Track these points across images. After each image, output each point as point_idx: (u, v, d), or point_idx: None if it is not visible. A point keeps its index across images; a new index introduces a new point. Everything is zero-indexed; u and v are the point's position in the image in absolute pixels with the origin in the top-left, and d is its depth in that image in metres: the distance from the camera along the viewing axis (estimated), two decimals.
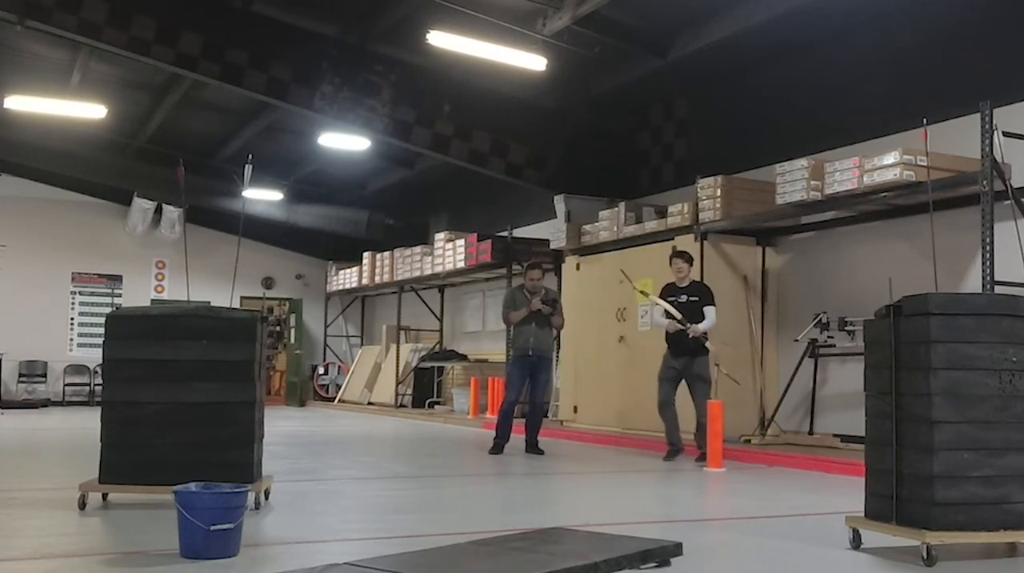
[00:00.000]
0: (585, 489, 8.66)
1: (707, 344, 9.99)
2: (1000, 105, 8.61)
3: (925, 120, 6.84)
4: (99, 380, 18.03)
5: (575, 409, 13.86)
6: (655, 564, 4.56)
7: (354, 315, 23.95)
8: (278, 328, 24.05)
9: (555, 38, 12.10)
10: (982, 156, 8.48)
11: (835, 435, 10.73)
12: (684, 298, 10.09)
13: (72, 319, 21.25)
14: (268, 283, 22.96)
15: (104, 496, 6.42)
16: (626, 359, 12.90)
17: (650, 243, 12.71)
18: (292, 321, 23.00)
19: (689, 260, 10.38)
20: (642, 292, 10.54)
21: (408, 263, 18.95)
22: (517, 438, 11.04)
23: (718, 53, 12.16)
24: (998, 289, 8.26)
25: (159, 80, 15.59)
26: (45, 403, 19.98)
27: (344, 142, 16.71)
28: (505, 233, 16.07)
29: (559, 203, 14.44)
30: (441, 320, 19.86)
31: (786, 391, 11.24)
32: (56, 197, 20.88)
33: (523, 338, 10.92)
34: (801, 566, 4.92)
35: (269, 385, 23.11)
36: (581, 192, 14.49)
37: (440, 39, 11.79)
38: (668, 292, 10.24)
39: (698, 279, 10.61)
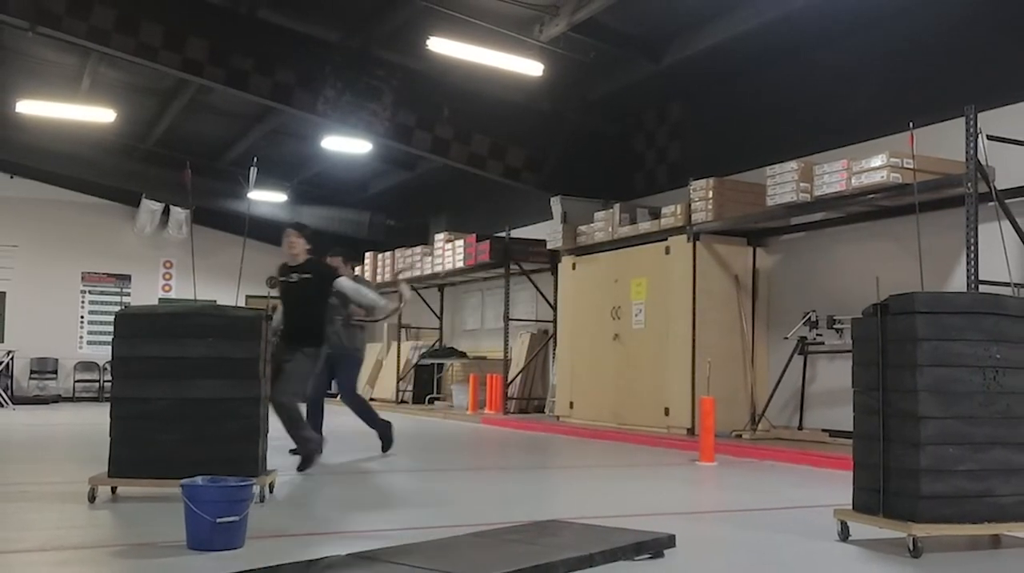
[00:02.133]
0: (580, 483, 8.65)
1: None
2: (984, 109, 8.62)
3: (911, 124, 6.84)
4: (108, 377, 18.05)
5: (571, 405, 13.86)
6: (649, 556, 4.56)
7: None
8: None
9: (552, 44, 12.11)
10: (967, 159, 8.49)
11: (824, 430, 10.74)
12: (295, 277, 8.45)
13: (82, 317, 21.24)
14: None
15: (113, 489, 6.41)
16: (621, 356, 12.90)
17: (644, 244, 12.72)
18: None
19: (303, 233, 8.50)
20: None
21: (409, 263, 18.92)
22: (518, 434, 11.02)
23: (710, 59, 12.17)
24: (982, 288, 8.26)
25: (166, 85, 15.59)
26: (56, 399, 19.97)
27: (346, 145, 16.72)
28: (503, 234, 16.06)
29: (556, 204, 14.44)
30: (441, 318, 19.85)
31: (776, 387, 11.24)
32: (66, 199, 20.87)
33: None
34: (790, 557, 4.92)
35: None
36: (577, 194, 14.48)
37: (440, 45, 11.79)
38: (281, 272, 8.67)
39: (315, 259, 8.75)
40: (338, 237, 21.73)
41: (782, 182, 10.45)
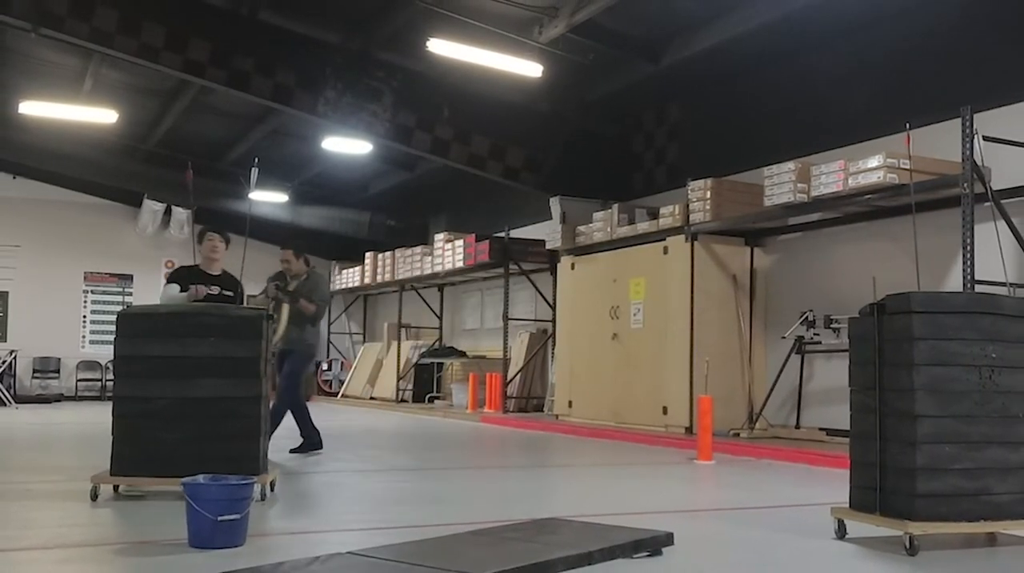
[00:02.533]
0: (579, 481, 8.66)
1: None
2: (980, 110, 8.62)
3: (908, 124, 6.82)
4: (111, 376, 18.04)
5: (570, 404, 13.86)
6: (647, 553, 4.56)
7: (357, 313, 23.94)
8: None
9: (551, 45, 12.11)
10: (963, 159, 8.48)
11: (821, 429, 10.74)
12: (216, 290, 7.67)
13: (84, 317, 21.23)
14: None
15: (115, 488, 6.41)
16: (619, 356, 12.90)
17: (642, 244, 12.72)
18: None
19: (226, 239, 7.90)
20: None
21: (409, 263, 18.94)
22: (517, 433, 11.01)
23: (708, 60, 12.16)
24: (978, 288, 8.26)
25: (168, 86, 15.59)
26: (58, 398, 19.96)
27: (347, 146, 16.71)
28: (503, 234, 16.06)
29: (555, 205, 14.44)
30: (440, 318, 19.86)
31: (774, 386, 11.24)
32: (69, 199, 20.86)
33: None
34: (788, 555, 4.92)
35: (274, 381, 23.05)
36: (576, 194, 14.49)
37: (440, 46, 11.79)
38: (196, 278, 7.71)
39: (231, 275, 7.96)
40: (339, 237, 21.81)
41: (779, 182, 10.45)
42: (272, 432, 8.61)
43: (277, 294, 9.22)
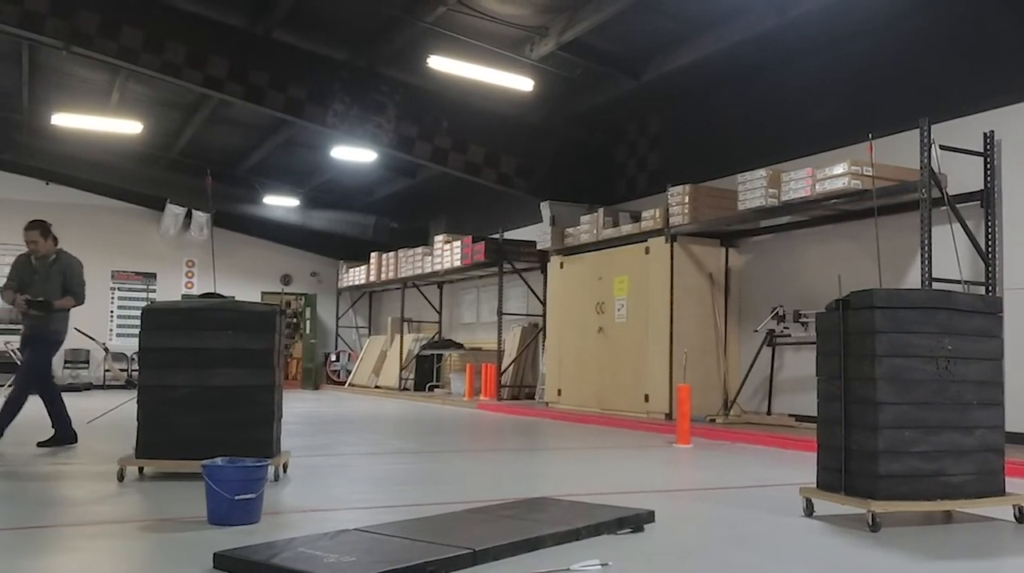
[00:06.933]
0: (568, 463, 8.64)
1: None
2: (937, 122, 8.64)
3: (871, 135, 6.83)
4: (136, 366, 17.99)
5: (559, 392, 13.86)
6: (630, 530, 4.55)
7: (362, 308, 23.91)
8: (295, 320, 23.98)
9: (541, 62, 12.10)
10: (921, 167, 8.49)
11: (790, 415, 10.75)
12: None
13: (112, 312, 21.17)
14: (286, 280, 22.90)
15: (140, 469, 6.39)
16: (604, 348, 12.89)
17: (626, 244, 12.71)
18: (307, 314, 22.94)
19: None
20: None
21: (410, 262, 18.91)
22: (511, 419, 10.96)
23: (686, 75, 12.15)
24: (935, 285, 8.27)
25: (189, 99, 15.53)
26: (88, 386, 19.88)
27: (354, 154, 16.68)
28: (497, 235, 16.04)
29: (545, 209, 14.42)
30: (440, 313, 19.84)
31: (747, 376, 11.25)
32: (98, 203, 20.79)
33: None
34: (760, 531, 4.91)
35: (286, 371, 23.03)
36: (565, 199, 14.47)
37: (439, 63, 11.76)
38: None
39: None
40: (346, 238, 21.79)
41: (752, 188, 10.44)
42: (8, 423, 7.92)
43: (27, 310, 8.02)
